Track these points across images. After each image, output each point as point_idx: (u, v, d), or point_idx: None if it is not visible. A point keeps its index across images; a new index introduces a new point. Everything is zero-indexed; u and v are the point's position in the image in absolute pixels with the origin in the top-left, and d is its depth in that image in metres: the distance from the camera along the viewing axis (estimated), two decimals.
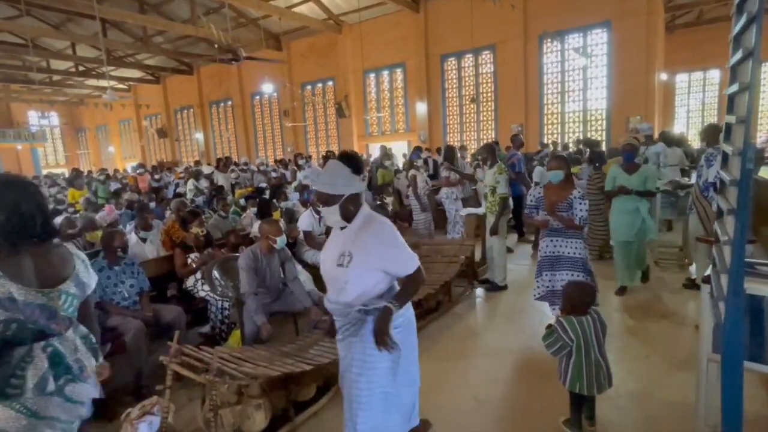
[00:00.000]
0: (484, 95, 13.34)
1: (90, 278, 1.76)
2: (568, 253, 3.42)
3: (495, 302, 4.58)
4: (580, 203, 3.34)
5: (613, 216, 4.42)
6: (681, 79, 15.21)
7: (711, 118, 14.26)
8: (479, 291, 4.87)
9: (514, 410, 2.77)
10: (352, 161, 1.93)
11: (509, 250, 6.23)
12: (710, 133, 4.07)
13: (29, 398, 1.52)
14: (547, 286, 3.54)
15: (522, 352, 3.46)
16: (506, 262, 4.91)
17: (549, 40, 11.66)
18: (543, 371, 3.06)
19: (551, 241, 3.49)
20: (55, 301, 1.59)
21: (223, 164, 10.20)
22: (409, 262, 1.92)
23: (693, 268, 4.75)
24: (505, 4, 8.19)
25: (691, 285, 4.42)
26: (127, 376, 3.17)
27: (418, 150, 9.28)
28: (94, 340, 1.77)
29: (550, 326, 2.41)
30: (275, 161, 14.77)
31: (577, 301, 2.31)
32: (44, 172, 22.66)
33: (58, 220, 5.93)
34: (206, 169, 11.43)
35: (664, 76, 12.21)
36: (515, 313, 4.25)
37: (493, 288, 4.81)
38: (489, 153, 5.03)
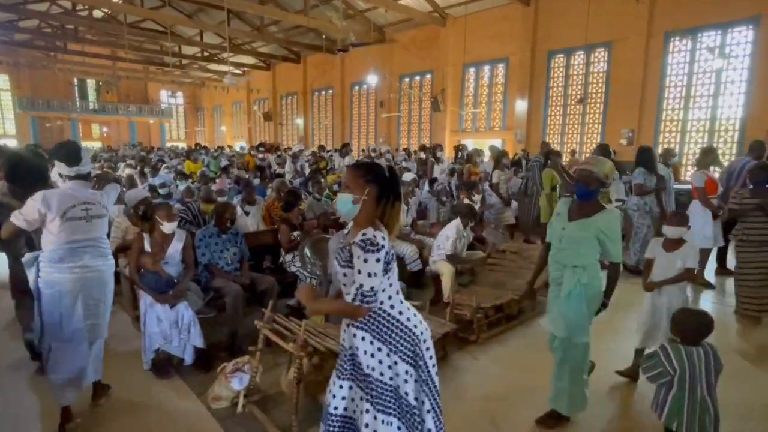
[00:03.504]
0: (593, 96, 12.35)
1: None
2: None
3: None
4: None
5: None
6: None
7: None
8: None
9: None
10: None
11: None
12: None
13: None
14: None
15: (605, 372, 3.18)
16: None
17: (678, 38, 10.42)
18: (629, 400, 2.81)
19: None
20: None
21: (344, 151, 10.52)
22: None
23: None
24: None
25: None
26: (225, 334, 3.52)
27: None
28: None
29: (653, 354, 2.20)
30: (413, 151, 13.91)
31: (689, 329, 2.08)
32: (168, 144, 25.75)
33: (180, 188, 6.72)
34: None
35: None
36: (608, 333, 3.93)
37: None
38: (603, 154, 4.76)
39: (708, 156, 5.24)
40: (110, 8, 15.75)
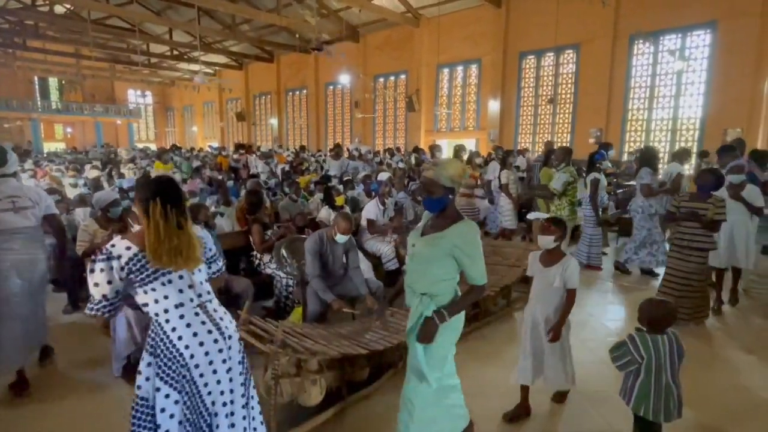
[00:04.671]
0: (563, 96, 12.70)
1: None
2: None
3: None
4: None
5: None
6: None
7: None
8: None
9: (566, 424, 2.67)
10: None
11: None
12: None
13: None
14: None
15: (580, 366, 3.29)
16: None
17: (641, 40, 10.83)
18: (600, 388, 2.92)
19: None
20: None
21: (336, 152, 9.94)
22: None
23: None
24: (595, 1, 7.69)
25: None
26: None
27: (605, 148, 6.76)
28: None
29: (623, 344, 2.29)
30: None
31: (655, 318, 2.17)
32: (138, 145, 25.00)
33: None
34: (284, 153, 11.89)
35: None
36: (574, 325, 4.04)
37: None
38: (566, 155, 4.86)
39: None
40: (73, 4, 15.16)
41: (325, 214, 5.21)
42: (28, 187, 3.15)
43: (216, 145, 22.47)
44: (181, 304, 1.71)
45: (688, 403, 2.22)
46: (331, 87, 18.97)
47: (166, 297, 1.69)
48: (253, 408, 1.94)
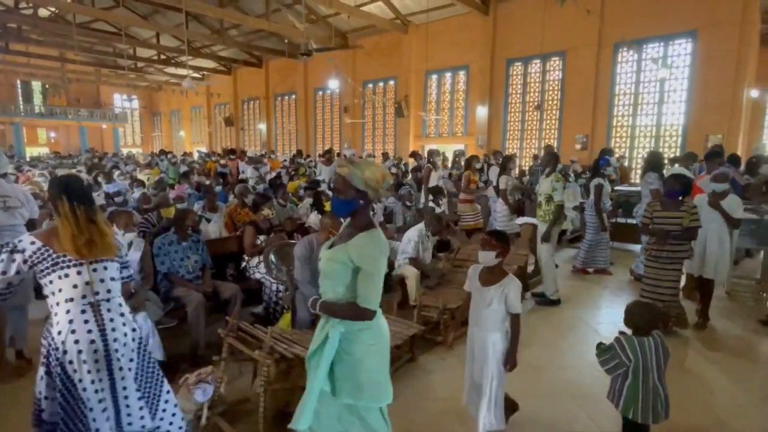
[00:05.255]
0: (549, 103, 12.88)
1: None
2: None
3: (545, 316, 4.43)
4: None
5: None
6: None
7: None
8: (530, 303, 4.73)
9: (556, 427, 2.68)
10: None
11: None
12: None
13: None
14: None
15: (568, 369, 3.33)
16: (555, 274, 4.73)
17: (625, 48, 11.05)
18: (589, 390, 2.94)
19: None
20: None
21: (327, 158, 9.87)
22: None
23: None
24: (580, 10, 7.83)
25: None
26: (186, 344, 3.40)
27: (607, 153, 6.76)
28: None
29: (600, 345, 2.31)
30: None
31: (642, 321, 2.20)
32: (124, 150, 24.68)
33: (135, 195, 6.45)
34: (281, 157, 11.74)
35: (754, 93, 11.18)
36: (565, 330, 4.09)
37: (545, 302, 4.65)
38: (551, 159, 4.89)
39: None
40: (57, 7, 14.95)
41: (314, 219, 5.19)
42: (19, 188, 3.55)
43: (205, 150, 22.30)
44: (71, 300, 1.81)
45: (674, 405, 2.25)
46: (320, 92, 18.97)
47: (60, 290, 1.81)
48: (164, 410, 2.03)
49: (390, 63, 15.76)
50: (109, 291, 1.89)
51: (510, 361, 2.35)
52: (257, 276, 4.15)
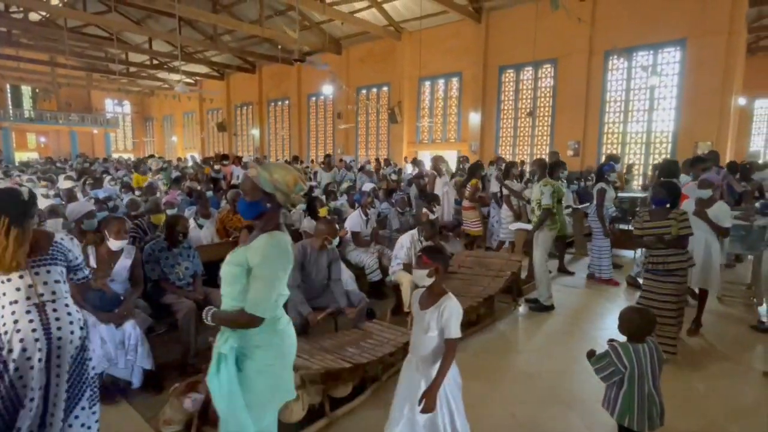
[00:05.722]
0: (541, 109, 12.99)
1: None
2: None
3: (539, 322, 4.43)
4: None
5: None
6: (760, 104, 14.14)
7: None
8: (523, 309, 4.73)
9: None
10: None
11: (569, 273, 6.01)
12: None
13: None
14: None
15: (563, 376, 3.32)
16: (549, 280, 4.73)
17: (616, 56, 11.19)
18: (584, 397, 2.93)
19: None
20: None
21: (327, 163, 9.77)
22: None
23: (763, 309, 4.39)
24: (571, 18, 7.92)
25: (761, 328, 4.08)
26: (176, 353, 3.34)
27: (613, 160, 6.69)
28: None
29: (591, 352, 2.30)
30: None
31: (636, 327, 2.19)
32: (115, 156, 24.46)
33: (125, 201, 6.36)
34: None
35: (742, 101, 11.38)
36: (559, 335, 4.09)
37: (538, 308, 4.65)
38: (539, 167, 4.91)
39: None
40: (49, 11, 14.85)
41: (307, 224, 5.16)
42: None
43: (198, 156, 22.17)
44: (15, 302, 1.88)
45: (669, 411, 2.24)
46: (314, 98, 18.97)
47: (4, 294, 1.88)
48: (82, 411, 2.03)
49: (383, 69, 15.82)
50: (54, 293, 1.95)
51: (428, 400, 1.92)
52: None
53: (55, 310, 1.94)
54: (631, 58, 11.09)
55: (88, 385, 2.06)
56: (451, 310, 1.97)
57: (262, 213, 1.72)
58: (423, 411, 1.92)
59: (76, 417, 2.01)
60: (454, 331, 1.97)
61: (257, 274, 1.63)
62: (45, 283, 1.94)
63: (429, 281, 2.04)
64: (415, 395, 1.97)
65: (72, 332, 1.96)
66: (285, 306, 1.77)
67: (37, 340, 1.88)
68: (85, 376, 2.04)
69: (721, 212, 3.98)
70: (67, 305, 1.99)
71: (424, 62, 14.09)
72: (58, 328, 1.92)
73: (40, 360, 1.88)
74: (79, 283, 2.18)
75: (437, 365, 1.97)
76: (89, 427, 2.06)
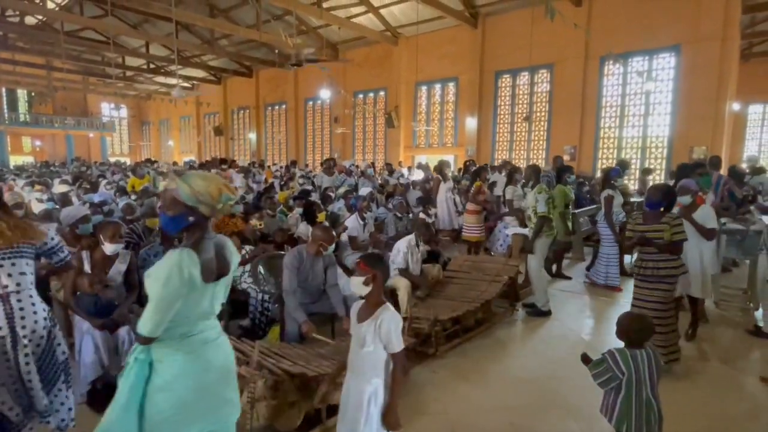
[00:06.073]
0: (538, 114, 13.05)
1: None
2: None
3: (536, 327, 4.41)
4: None
5: None
6: (754, 110, 14.26)
7: None
8: (521, 314, 4.71)
9: None
10: None
11: (566, 277, 6.00)
12: None
13: None
14: None
15: (560, 381, 3.30)
16: (546, 285, 4.72)
17: (611, 62, 11.27)
18: (581, 402, 2.91)
19: None
20: None
21: (328, 167, 9.71)
22: None
23: (759, 314, 4.40)
24: (567, 24, 7.97)
25: (757, 332, 4.08)
26: None
27: (622, 165, 6.66)
28: None
29: (585, 356, 2.29)
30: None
31: (634, 333, 2.18)
32: (112, 160, 24.37)
33: (120, 205, 6.33)
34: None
35: (736, 106, 11.47)
36: (557, 341, 4.08)
37: (536, 312, 4.64)
38: (533, 173, 4.92)
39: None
40: (45, 15, 14.82)
41: (303, 229, 5.14)
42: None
43: (195, 159, 22.10)
44: None
45: (666, 418, 2.23)
46: (311, 102, 19.00)
47: None
48: (59, 392, 2.16)
49: (380, 74, 15.87)
50: (18, 284, 2.02)
51: (389, 417, 1.85)
52: (244, 285, 4.08)
53: (19, 301, 2.01)
54: (626, 63, 11.17)
55: (62, 370, 2.19)
56: (389, 323, 1.83)
57: (188, 227, 1.59)
58: (388, 429, 1.88)
59: (55, 396, 2.16)
60: (397, 344, 1.84)
61: (149, 292, 1.52)
62: (9, 275, 1.99)
63: (366, 290, 1.90)
64: (356, 414, 1.86)
65: (36, 322, 2.04)
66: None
67: (0, 328, 1.96)
68: (55, 362, 2.15)
69: (705, 214, 3.88)
70: (31, 296, 2.07)
71: (421, 67, 14.15)
72: (22, 318, 2.01)
73: (5, 352, 1.97)
74: (59, 267, 2.25)
75: (376, 380, 1.86)
76: (70, 409, 2.22)
